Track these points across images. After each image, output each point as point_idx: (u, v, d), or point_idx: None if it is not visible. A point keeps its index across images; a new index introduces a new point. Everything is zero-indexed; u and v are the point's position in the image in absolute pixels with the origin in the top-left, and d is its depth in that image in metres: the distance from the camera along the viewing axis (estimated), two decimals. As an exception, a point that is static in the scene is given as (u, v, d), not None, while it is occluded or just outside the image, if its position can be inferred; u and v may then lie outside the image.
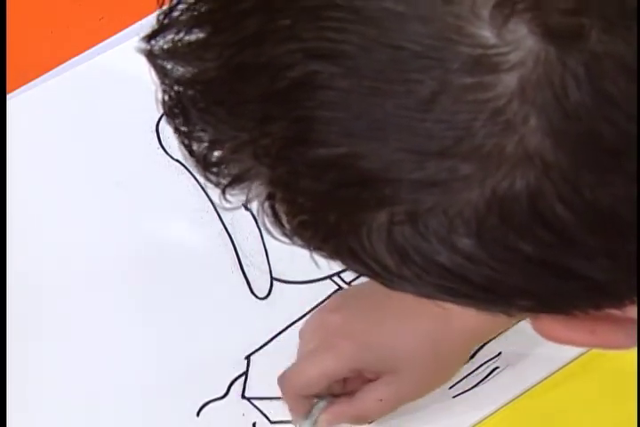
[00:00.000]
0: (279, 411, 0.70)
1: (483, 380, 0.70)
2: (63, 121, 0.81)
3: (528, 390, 0.70)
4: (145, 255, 0.76)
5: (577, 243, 0.33)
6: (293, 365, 0.68)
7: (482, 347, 0.71)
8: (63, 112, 0.81)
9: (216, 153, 0.36)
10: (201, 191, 0.77)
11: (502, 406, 0.69)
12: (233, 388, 0.71)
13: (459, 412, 0.69)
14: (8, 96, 0.82)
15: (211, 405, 0.71)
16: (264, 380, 0.71)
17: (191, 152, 0.37)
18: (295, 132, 0.34)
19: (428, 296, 0.38)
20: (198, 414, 0.70)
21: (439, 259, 0.34)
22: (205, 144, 0.36)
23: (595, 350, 0.70)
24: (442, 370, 0.67)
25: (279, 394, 0.70)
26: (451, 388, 0.70)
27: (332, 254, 0.37)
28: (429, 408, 0.69)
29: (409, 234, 0.34)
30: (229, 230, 0.76)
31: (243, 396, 0.71)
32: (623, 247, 0.34)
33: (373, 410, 0.67)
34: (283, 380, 0.67)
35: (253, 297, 0.74)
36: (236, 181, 0.36)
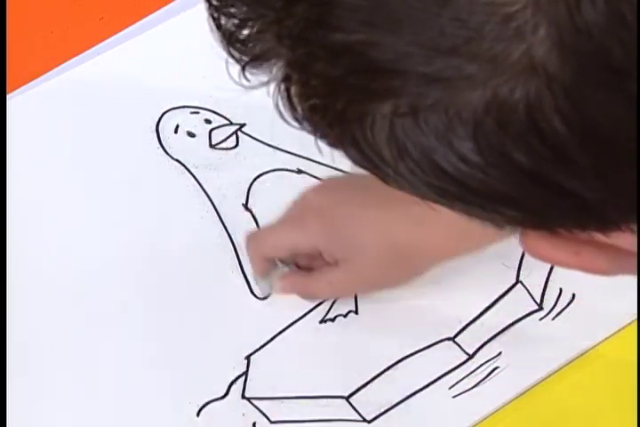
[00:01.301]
0: (279, 411, 0.70)
1: (483, 380, 0.70)
2: (63, 121, 0.81)
3: (528, 390, 0.70)
4: (145, 255, 0.76)
5: (569, 159, 0.34)
6: (265, 227, 0.73)
7: (482, 347, 0.71)
8: (63, 112, 0.81)
9: (243, 31, 0.37)
10: (201, 191, 0.77)
11: (502, 406, 0.69)
12: (233, 388, 0.71)
13: (459, 412, 0.69)
14: (8, 96, 0.82)
15: (211, 405, 0.71)
16: (264, 380, 0.71)
17: (219, 26, 0.38)
18: (317, 15, 0.35)
19: (421, 196, 0.39)
20: (198, 414, 0.70)
21: (434, 157, 0.35)
22: (234, 21, 0.37)
23: (594, 350, 0.70)
24: (394, 272, 0.70)
25: (279, 394, 0.70)
26: (451, 388, 0.70)
27: (336, 142, 0.38)
28: (429, 408, 0.69)
29: (409, 128, 0.35)
30: (229, 230, 0.76)
31: (243, 396, 0.71)
32: (614, 170, 0.34)
33: (321, 290, 0.71)
34: (250, 238, 0.72)
35: (253, 297, 0.74)
36: (257, 59, 0.37)
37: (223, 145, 0.79)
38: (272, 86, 0.38)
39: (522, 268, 0.73)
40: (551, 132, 0.33)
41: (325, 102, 0.36)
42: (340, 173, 0.77)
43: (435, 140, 0.35)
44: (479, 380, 0.70)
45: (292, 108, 0.38)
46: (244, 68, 0.38)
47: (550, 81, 0.32)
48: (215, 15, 0.38)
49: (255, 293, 0.74)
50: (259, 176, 0.78)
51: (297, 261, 0.71)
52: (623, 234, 0.38)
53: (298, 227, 0.70)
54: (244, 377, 0.71)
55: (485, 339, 0.71)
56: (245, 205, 0.77)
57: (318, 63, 0.35)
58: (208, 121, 0.80)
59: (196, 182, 0.78)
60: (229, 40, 0.38)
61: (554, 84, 0.32)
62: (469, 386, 0.70)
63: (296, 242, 0.70)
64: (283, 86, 0.38)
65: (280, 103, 0.38)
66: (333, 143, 0.39)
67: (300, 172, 0.78)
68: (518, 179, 0.35)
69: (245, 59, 0.38)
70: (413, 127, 0.35)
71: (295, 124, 0.39)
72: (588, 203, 0.35)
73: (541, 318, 0.72)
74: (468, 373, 0.70)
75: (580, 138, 0.33)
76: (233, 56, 0.38)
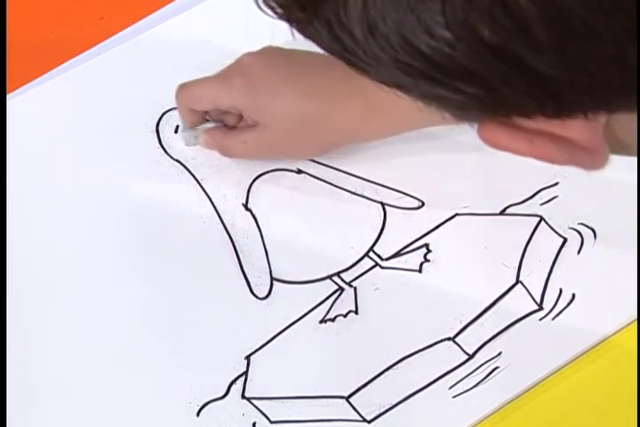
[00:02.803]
0: (279, 411, 0.70)
1: (483, 380, 0.70)
2: (63, 121, 0.81)
3: (528, 390, 0.70)
4: (145, 255, 0.76)
5: (530, 32, 0.35)
6: (196, 79, 0.75)
7: (482, 347, 0.71)
8: (63, 112, 0.81)
9: None
10: (201, 191, 0.77)
11: (502, 406, 0.69)
12: (233, 388, 0.71)
13: (459, 412, 0.69)
14: (8, 96, 0.82)
15: (211, 405, 0.71)
16: (264, 380, 0.71)
17: None
18: None
19: (386, 79, 0.40)
20: (198, 414, 0.70)
21: (403, 31, 0.36)
22: None
23: (594, 350, 0.70)
24: (301, 140, 0.74)
25: (279, 394, 0.70)
26: (451, 388, 0.70)
27: (308, 26, 0.39)
28: (429, 408, 0.70)
29: (380, 2, 0.36)
30: (229, 230, 0.76)
31: (243, 396, 0.71)
32: (572, 45, 0.35)
33: (236, 148, 0.75)
34: (180, 89, 0.75)
35: (253, 297, 0.74)
36: None
37: (223, 145, 0.79)
38: None
39: (522, 268, 0.73)
40: (514, 4, 0.34)
41: None
42: (340, 173, 0.77)
43: (404, 14, 0.36)
44: (479, 380, 0.70)
45: None
46: None
47: None
48: None
49: (255, 293, 0.74)
50: (259, 176, 0.78)
51: (224, 119, 0.75)
52: (577, 125, 0.40)
53: (223, 82, 0.73)
54: (244, 377, 0.71)
55: (485, 339, 0.71)
56: (245, 205, 0.77)
57: None
58: (208, 121, 0.80)
59: (195, 182, 0.78)
60: None
61: None
62: (469, 386, 0.70)
63: (218, 96, 0.73)
64: None
65: None
66: (305, 28, 0.40)
67: (299, 172, 0.78)
68: (482, 52, 0.36)
69: None
70: (385, 1, 0.36)
71: (270, 13, 0.40)
72: (546, 80, 0.36)
73: (541, 318, 0.72)
74: (468, 373, 0.70)
75: (541, 10, 0.34)
76: None
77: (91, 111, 0.81)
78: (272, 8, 0.40)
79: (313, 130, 0.73)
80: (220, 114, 0.76)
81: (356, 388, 0.70)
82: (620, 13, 0.34)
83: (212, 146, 0.76)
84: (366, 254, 0.75)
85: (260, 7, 0.40)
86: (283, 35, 0.42)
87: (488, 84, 0.37)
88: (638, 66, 0.35)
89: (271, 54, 0.75)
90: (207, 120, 0.77)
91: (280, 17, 0.40)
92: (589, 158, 0.44)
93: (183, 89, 0.75)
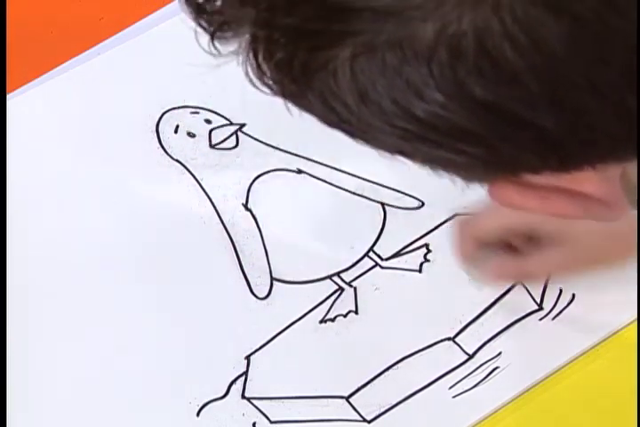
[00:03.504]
0: (279, 411, 0.70)
1: (483, 380, 0.70)
2: (63, 121, 0.81)
3: (528, 390, 0.70)
4: (145, 255, 0.76)
5: (522, 85, 0.34)
6: (475, 211, 0.70)
7: (482, 347, 0.71)
8: (63, 112, 0.81)
9: (208, 5, 0.39)
10: (201, 191, 0.77)
11: (502, 406, 0.69)
12: (233, 388, 0.71)
13: (459, 412, 0.69)
14: (8, 96, 0.82)
15: (211, 405, 0.71)
16: (264, 380, 0.71)
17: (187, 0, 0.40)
18: None
19: (386, 145, 0.40)
20: (198, 414, 0.70)
21: (394, 95, 0.36)
22: None
23: (594, 350, 0.70)
24: (608, 250, 0.68)
25: (279, 394, 0.70)
26: (451, 388, 0.70)
27: (303, 99, 0.39)
28: (429, 408, 0.69)
29: (368, 68, 0.36)
30: (229, 230, 0.76)
31: (243, 396, 0.71)
32: (567, 95, 0.34)
33: (539, 268, 0.69)
34: (461, 222, 0.70)
35: (253, 297, 0.74)
36: (224, 24, 0.39)
37: (223, 145, 0.79)
38: (240, 58, 0.40)
39: (522, 268, 0.73)
40: (502, 58, 0.34)
41: (289, 55, 0.38)
42: (340, 173, 0.77)
43: (392, 78, 0.36)
44: (479, 380, 0.70)
45: (261, 72, 0.39)
46: (212, 37, 0.40)
47: (498, 7, 0.33)
48: None
49: (255, 293, 0.74)
50: (259, 176, 0.78)
51: (506, 245, 0.69)
52: (590, 178, 0.39)
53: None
54: (244, 377, 0.71)
55: (485, 339, 0.71)
56: (245, 205, 0.77)
57: (279, 15, 0.36)
58: (208, 121, 0.80)
59: (195, 182, 0.78)
60: (197, 10, 0.39)
61: (501, 9, 0.33)
62: (469, 386, 0.70)
63: (514, 220, 0.67)
64: (251, 52, 0.39)
65: (250, 72, 0.40)
66: (300, 101, 0.40)
67: (300, 172, 0.78)
68: (475, 110, 0.35)
69: (213, 27, 0.39)
70: (372, 67, 0.36)
71: (266, 90, 0.40)
72: (545, 134, 0.36)
73: (541, 318, 0.72)
74: (468, 373, 0.70)
75: (531, 62, 0.33)
76: (202, 26, 0.40)
77: (91, 111, 0.81)
78: (268, 86, 0.40)
79: (619, 233, 0.66)
80: (503, 239, 0.70)
81: (355, 388, 0.70)
82: (617, 63, 0.33)
83: (507, 276, 0.71)
84: (366, 254, 0.75)
85: (255, 86, 0.40)
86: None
87: (487, 143, 0.37)
88: (639, 114, 0.35)
89: None
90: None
91: (275, 93, 0.40)
92: (606, 211, 0.43)
93: (470, 220, 0.70)
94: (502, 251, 0.70)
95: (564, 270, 0.70)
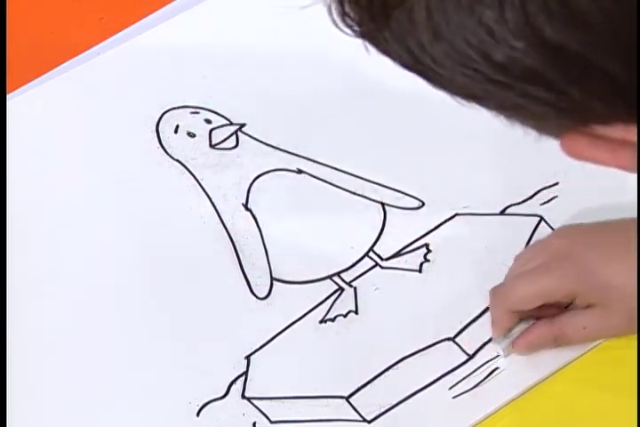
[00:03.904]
0: (279, 411, 0.70)
1: (483, 380, 0.70)
2: (63, 121, 0.81)
3: (528, 390, 0.70)
4: (145, 255, 0.76)
5: (592, 29, 0.34)
6: (509, 280, 0.69)
7: (482, 347, 0.71)
8: (63, 112, 0.81)
9: None
10: (201, 191, 0.77)
11: (502, 406, 0.69)
12: (233, 388, 0.71)
13: (459, 412, 0.69)
14: (8, 96, 0.82)
15: (211, 405, 0.71)
16: (264, 380, 0.71)
17: None
18: None
19: (461, 90, 0.40)
20: (198, 414, 0.70)
21: (465, 34, 0.37)
22: None
23: (594, 350, 0.70)
24: None
25: (279, 394, 0.70)
26: (451, 388, 0.70)
27: (380, 38, 0.40)
28: (429, 408, 0.69)
29: (442, 6, 0.37)
30: (229, 230, 0.76)
31: (243, 396, 0.71)
32: (638, 43, 0.34)
33: (575, 335, 0.68)
34: (496, 293, 0.69)
35: (253, 297, 0.74)
36: None
37: (223, 145, 0.79)
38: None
39: (522, 268, 0.73)
40: (574, 3, 0.34)
41: None
42: (340, 173, 0.77)
43: (465, 16, 0.36)
44: (479, 380, 0.70)
45: (343, 12, 0.40)
46: None
47: None
48: None
49: (255, 293, 0.74)
50: (259, 176, 0.78)
51: (537, 313, 0.69)
52: None
53: (550, 274, 0.67)
54: (244, 377, 0.71)
55: (485, 339, 0.71)
56: (245, 205, 0.77)
57: None
58: (208, 121, 0.80)
59: (196, 182, 0.78)
60: None
61: None
62: (469, 386, 0.70)
63: (550, 289, 0.67)
64: None
65: (334, 12, 0.40)
66: (378, 41, 0.41)
67: (300, 172, 0.78)
68: (544, 52, 0.36)
69: None
70: (446, 5, 0.36)
71: (347, 30, 0.41)
72: (613, 80, 0.36)
73: (541, 318, 0.72)
74: (468, 373, 0.70)
75: (601, 4, 0.34)
76: None
77: (91, 111, 0.81)
78: (349, 26, 0.41)
79: None
80: (533, 309, 0.69)
81: (356, 388, 0.70)
82: None
83: (540, 344, 0.69)
84: (366, 254, 0.75)
85: (338, 27, 0.41)
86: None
87: (557, 87, 0.37)
88: None
89: (577, 232, 0.70)
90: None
91: (356, 34, 0.41)
92: None
93: (504, 292, 0.69)
94: (535, 318, 0.69)
95: (600, 332, 0.69)
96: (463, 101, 0.41)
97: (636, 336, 0.68)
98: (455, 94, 0.41)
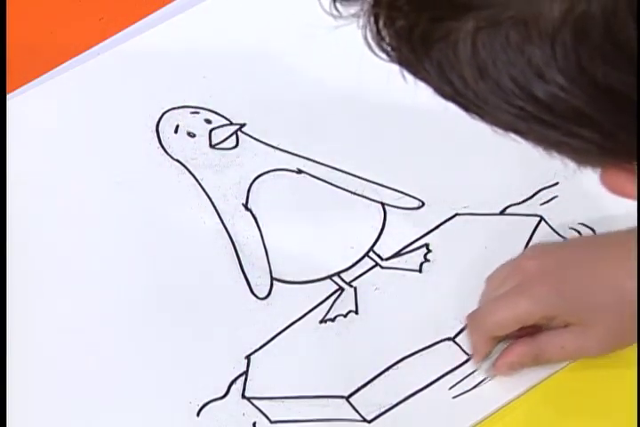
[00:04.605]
0: (279, 411, 0.70)
1: (483, 380, 0.70)
2: (63, 121, 0.81)
3: (528, 390, 0.70)
4: (145, 255, 0.76)
5: None
6: (484, 306, 0.69)
7: (482, 347, 0.71)
8: (63, 112, 0.81)
9: None
10: (201, 191, 0.77)
11: (502, 407, 0.69)
12: (233, 388, 0.71)
13: (459, 412, 0.69)
14: (8, 96, 0.82)
15: (211, 405, 0.70)
16: (264, 380, 0.71)
17: None
18: None
19: (499, 122, 0.40)
20: (198, 414, 0.70)
21: (513, 72, 0.36)
22: None
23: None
24: (625, 331, 0.66)
25: (279, 394, 0.70)
26: (451, 388, 0.70)
27: (419, 68, 0.40)
28: (429, 408, 0.69)
29: (490, 43, 0.36)
30: (229, 230, 0.76)
31: (243, 396, 0.71)
32: None
33: (553, 354, 0.68)
34: (473, 319, 0.69)
35: (253, 297, 0.74)
36: None
37: (223, 145, 0.79)
38: (360, 20, 0.40)
39: (522, 268, 0.73)
40: (627, 40, 0.33)
41: (410, 23, 0.38)
42: (340, 173, 0.77)
43: (514, 55, 0.36)
44: (479, 380, 0.70)
45: (380, 38, 0.39)
46: (334, 0, 0.40)
47: None
48: None
49: (255, 293, 0.74)
50: (259, 176, 0.78)
51: (516, 333, 0.68)
52: None
53: (525, 297, 0.66)
54: (243, 377, 0.71)
55: (485, 339, 0.71)
56: (245, 205, 0.77)
57: None
58: (208, 121, 0.80)
59: (196, 182, 0.78)
60: None
61: None
62: (469, 386, 0.70)
63: (527, 313, 0.66)
64: (372, 16, 0.39)
65: (369, 36, 0.40)
66: (416, 70, 0.40)
67: (299, 172, 0.78)
68: (594, 94, 0.35)
69: None
70: (494, 42, 0.36)
71: (382, 55, 0.40)
72: None
73: (541, 318, 0.72)
74: (468, 373, 0.70)
75: None
76: None
77: (91, 111, 0.81)
78: (386, 52, 0.40)
79: (633, 315, 0.64)
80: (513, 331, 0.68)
81: (356, 388, 0.70)
82: None
83: (519, 364, 0.69)
84: (366, 254, 0.75)
85: (373, 51, 0.40)
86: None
87: (604, 129, 0.37)
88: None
89: (548, 252, 0.70)
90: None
91: (392, 60, 0.40)
92: None
93: (481, 318, 0.69)
94: (514, 338, 0.69)
95: (578, 351, 0.68)
96: (500, 131, 0.41)
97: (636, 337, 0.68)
98: (493, 125, 0.41)
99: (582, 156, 0.41)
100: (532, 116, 0.37)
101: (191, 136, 0.80)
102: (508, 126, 0.40)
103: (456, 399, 0.70)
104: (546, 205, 0.75)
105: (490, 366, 0.69)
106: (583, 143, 0.38)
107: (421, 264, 0.74)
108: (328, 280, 0.74)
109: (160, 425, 0.71)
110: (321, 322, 0.73)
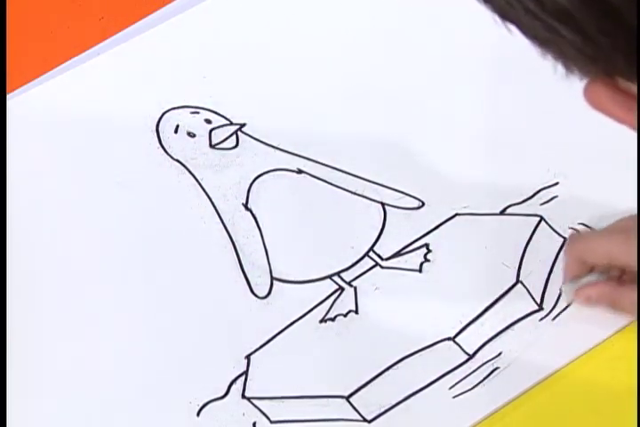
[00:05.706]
0: (279, 411, 0.70)
1: (483, 380, 0.70)
2: (63, 121, 0.81)
3: (528, 390, 0.70)
4: (144, 255, 0.76)
5: None
6: (589, 231, 0.72)
7: (482, 347, 0.71)
8: (63, 112, 0.81)
9: None
10: (201, 191, 0.77)
11: (502, 407, 0.69)
12: (233, 388, 0.71)
13: (459, 412, 0.69)
14: (8, 96, 0.82)
15: (211, 405, 0.71)
16: (264, 380, 0.71)
17: None
18: None
19: (496, 8, 0.40)
20: (198, 414, 0.70)
21: None
22: None
23: (594, 351, 0.70)
24: None
25: (279, 394, 0.70)
26: (451, 388, 0.70)
27: None
28: (429, 408, 0.69)
29: None
30: (229, 230, 0.76)
31: (243, 396, 0.71)
32: None
33: (626, 306, 0.68)
34: (571, 239, 0.72)
35: (253, 297, 0.74)
36: None
37: (223, 145, 0.79)
38: None
39: (522, 268, 0.73)
40: None
41: None
42: (340, 173, 0.77)
43: None
44: (479, 380, 0.70)
45: None
46: None
47: None
48: None
49: (255, 292, 0.74)
50: (259, 176, 0.78)
51: (612, 273, 0.69)
52: None
53: (621, 236, 0.67)
54: (243, 377, 0.71)
55: (485, 339, 0.71)
56: (245, 205, 0.77)
57: None
58: (208, 121, 0.80)
59: (196, 182, 0.78)
60: None
61: None
62: (469, 386, 0.70)
63: (614, 251, 0.67)
64: None
65: None
66: None
67: (300, 172, 0.78)
68: None
69: None
70: None
71: None
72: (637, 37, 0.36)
73: (541, 319, 0.72)
74: (468, 373, 0.70)
75: None
76: None
77: (90, 111, 0.81)
78: None
79: None
80: (606, 267, 0.69)
81: (356, 388, 0.70)
82: None
83: (596, 302, 0.70)
84: (366, 254, 0.75)
85: None
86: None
87: (585, 32, 0.37)
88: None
89: None
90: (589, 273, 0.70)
91: None
92: None
93: (577, 239, 0.71)
94: (606, 277, 0.69)
95: None
96: (499, 21, 0.41)
97: (635, 337, 0.68)
98: (490, 10, 0.41)
99: (569, 61, 0.41)
100: (522, 5, 0.38)
101: (191, 136, 0.80)
102: (500, 12, 0.40)
103: (456, 399, 0.70)
104: (546, 205, 0.75)
105: (571, 291, 0.70)
106: (566, 45, 0.39)
107: (421, 264, 0.74)
108: (328, 280, 0.74)
109: (160, 425, 0.71)
110: (321, 322, 0.73)
